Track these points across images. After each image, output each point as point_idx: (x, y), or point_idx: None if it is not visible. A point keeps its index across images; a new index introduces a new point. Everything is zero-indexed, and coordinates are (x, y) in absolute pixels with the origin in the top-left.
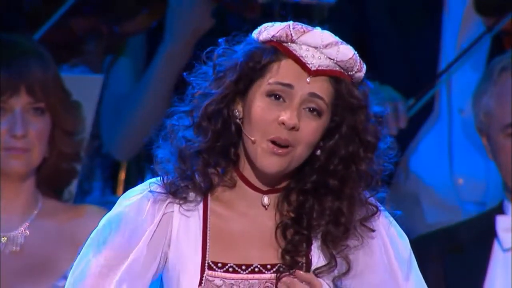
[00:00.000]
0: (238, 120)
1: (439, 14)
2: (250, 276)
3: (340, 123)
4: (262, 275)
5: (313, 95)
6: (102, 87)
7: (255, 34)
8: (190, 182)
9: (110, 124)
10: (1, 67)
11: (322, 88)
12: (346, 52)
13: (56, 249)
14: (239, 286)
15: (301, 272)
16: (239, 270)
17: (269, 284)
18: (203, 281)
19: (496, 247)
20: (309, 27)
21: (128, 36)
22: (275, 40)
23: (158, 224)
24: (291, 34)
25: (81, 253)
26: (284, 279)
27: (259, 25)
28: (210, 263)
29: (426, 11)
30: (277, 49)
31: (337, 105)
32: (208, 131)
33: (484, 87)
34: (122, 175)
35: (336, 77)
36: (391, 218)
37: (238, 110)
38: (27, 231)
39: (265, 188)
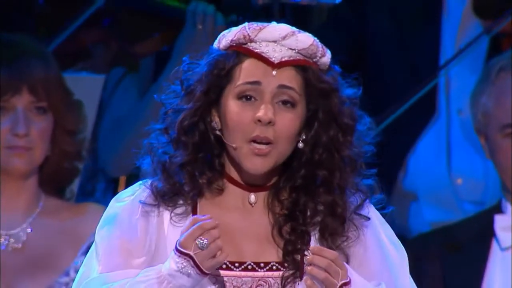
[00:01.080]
0: (218, 132)
1: (438, 15)
2: (243, 273)
3: (315, 110)
4: (255, 273)
5: (282, 86)
6: (102, 88)
7: (215, 44)
8: (178, 192)
9: (107, 142)
10: (3, 67)
11: (290, 78)
12: (305, 39)
13: (57, 247)
14: (232, 284)
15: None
16: (232, 267)
17: (262, 282)
18: None
19: (494, 246)
20: (265, 24)
21: (137, 56)
22: (234, 44)
23: (155, 235)
24: (248, 34)
25: (85, 259)
26: (311, 247)
27: None
28: None
29: (426, 12)
30: (239, 52)
31: (309, 93)
32: (188, 144)
33: (482, 87)
34: (123, 177)
35: (302, 66)
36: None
37: (216, 121)
38: (29, 229)
39: (252, 187)
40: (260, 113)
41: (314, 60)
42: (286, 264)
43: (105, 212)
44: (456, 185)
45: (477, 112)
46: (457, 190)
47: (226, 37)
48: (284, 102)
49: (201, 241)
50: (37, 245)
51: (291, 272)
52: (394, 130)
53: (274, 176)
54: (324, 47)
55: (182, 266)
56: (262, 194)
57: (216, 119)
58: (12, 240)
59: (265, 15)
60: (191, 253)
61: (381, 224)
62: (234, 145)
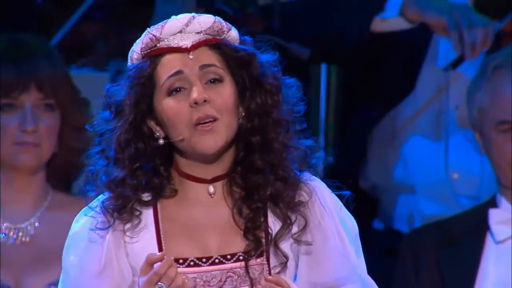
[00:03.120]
0: (162, 140)
1: None
2: (211, 267)
3: (243, 81)
4: (223, 266)
5: (204, 66)
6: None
7: (129, 62)
8: (129, 204)
9: None
10: (11, 65)
11: (207, 57)
12: (206, 20)
13: (64, 241)
14: (202, 279)
15: (268, 276)
16: (200, 263)
17: (231, 274)
18: None
19: (488, 240)
20: (164, 21)
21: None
22: (145, 51)
23: (114, 253)
24: (154, 35)
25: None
26: (264, 277)
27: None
28: None
29: None
30: (152, 56)
31: (230, 67)
32: (125, 159)
33: (478, 84)
34: None
35: (214, 44)
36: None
37: (157, 130)
38: (37, 223)
39: (209, 178)
40: (194, 95)
41: (223, 36)
42: (252, 252)
43: (70, 234)
44: (452, 179)
45: (472, 108)
46: (454, 185)
47: (135, 50)
48: (212, 81)
49: (160, 287)
50: (45, 239)
51: (256, 259)
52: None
53: (228, 163)
54: (227, 23)
55: None
56: (220, 184)
57: (157, 127)
58: (20, 234)
59: (266, 16)
60: None
61: (337, 210)
62: (180, 137)
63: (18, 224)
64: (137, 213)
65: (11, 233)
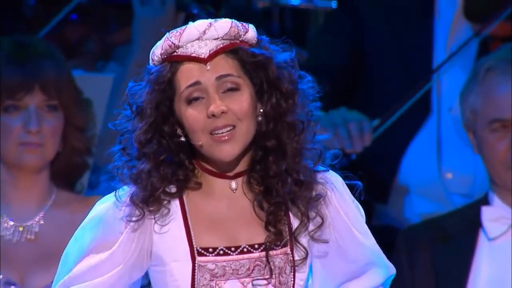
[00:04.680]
0: (183, 138)
1: (431, 18)
2: (240, 256)
3: (261, 84)
4: (251, 255)
5: (220, 77)
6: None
7: (150, 62)
8: (157, 194)
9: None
10: (16, 67)
11: (224, 66)
12: (223, 25)
13: (68, 238)
14: (231, 267)
15: None
16: (229, 252)
17: (259, 262)
18: (196, 268)
19: (481, 237)
20: (183, 27)
21: (117, 45)
22: (165, 56)
23: (140, 243)
24: (173, 42)
25: (63, 255)
26: None
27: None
28: (200, 249)
29: (419, 16)
30: (172, 61)
31: (248, 70)
32: (149, 153)
33: (471, 86)
34: None
35: (232, 49)
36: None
37: (178, 130)
38: (41, 221)
39: (232, 174)
40: (211, 108)
41: (240, 39)
42: (277, 243)
43: (90, 214)
44: (446, 179)
45: (465, 109)
46: (447, 184)
47: (155, 53)
48: (229, 89)
49: None
50: (49, 237)
51: (281, 248)
52: (391, 130)
53: (247, 161)
54: (244, 24)
55: None
56: (241, 179)
57: (177, 128)
58: (25, 231)
59: (265, 18)
60: None
61: (352, 201)
62: (199, 143)
63: (23, 222)
64: (165, 202)
65: (16, 231)
